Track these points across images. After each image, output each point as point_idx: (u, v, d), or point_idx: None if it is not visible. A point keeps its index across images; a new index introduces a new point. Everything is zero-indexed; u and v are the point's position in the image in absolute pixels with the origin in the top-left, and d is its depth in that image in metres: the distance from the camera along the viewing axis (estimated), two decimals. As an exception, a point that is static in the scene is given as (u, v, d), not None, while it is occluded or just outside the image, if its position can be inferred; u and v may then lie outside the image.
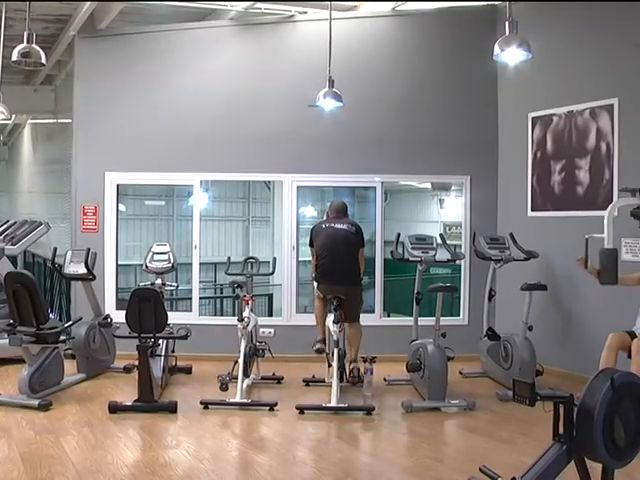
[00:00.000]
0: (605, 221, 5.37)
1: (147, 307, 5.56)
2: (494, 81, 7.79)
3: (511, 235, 7.00)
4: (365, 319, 6.80)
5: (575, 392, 3.25)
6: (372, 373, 6.11)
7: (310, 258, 6.73)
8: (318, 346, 6.40)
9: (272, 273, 7.33)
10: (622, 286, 5.55)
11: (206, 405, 5.72)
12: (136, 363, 5.75)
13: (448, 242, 7.15)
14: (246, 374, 6.07)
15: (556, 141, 7.24)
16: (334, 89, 6.57)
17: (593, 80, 6.85)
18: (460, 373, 6.97)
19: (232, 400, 5.74)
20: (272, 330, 7.39)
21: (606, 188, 6.69)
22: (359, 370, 6.34)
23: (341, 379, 6.10)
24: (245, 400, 5.80)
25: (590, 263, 5.54)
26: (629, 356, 5.24)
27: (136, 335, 5.61)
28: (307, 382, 6.61)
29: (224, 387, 5.77)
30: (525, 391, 3.22)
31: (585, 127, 6.93)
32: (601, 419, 3.05)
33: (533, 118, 7.45)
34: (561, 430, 3.17)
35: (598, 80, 6.80)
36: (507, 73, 7.25)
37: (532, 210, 7.49)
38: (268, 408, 5.73)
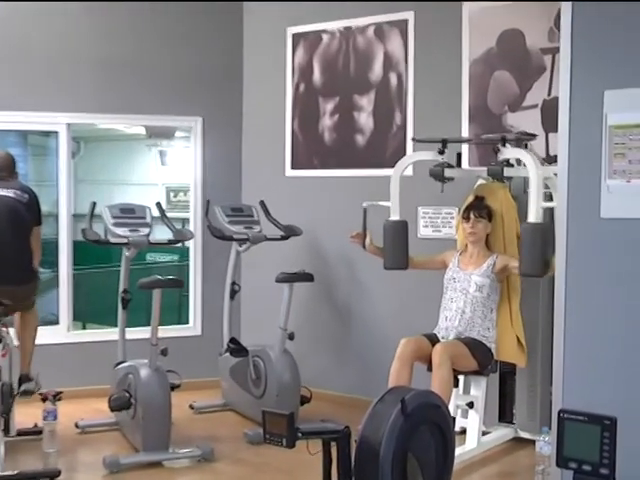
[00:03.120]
0: (392, 184, 5.57)
1: None
2: (237, -20, 7.94)
3: (262, 204, 7.12)
4: (45, 335, 6.80)
5: (354, 423, 3.44)
6: (55, 418, 5.82)
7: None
8: None
9: None
10: (418, 272, 5.80)
11: None
12: None
13: (171, 215, 7.24)
14: None
15: (327, 70, 7.47)
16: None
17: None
18: (191, 408, 7.09)
19: None
20: None
21: (397, 137, 7.03)
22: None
23: (6, 430, 5.80)
24: None
25: (370, 240, 5.79)
26: (429, 369, 5.47)
27: None
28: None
29: None
30: (280, 427, 3.35)
31: (368, 51, 7.21)
32: (389, 458, 3.22)
33: (294, 35, 7.64)
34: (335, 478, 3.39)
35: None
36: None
37: (293, 168, 7.68)
38: None
